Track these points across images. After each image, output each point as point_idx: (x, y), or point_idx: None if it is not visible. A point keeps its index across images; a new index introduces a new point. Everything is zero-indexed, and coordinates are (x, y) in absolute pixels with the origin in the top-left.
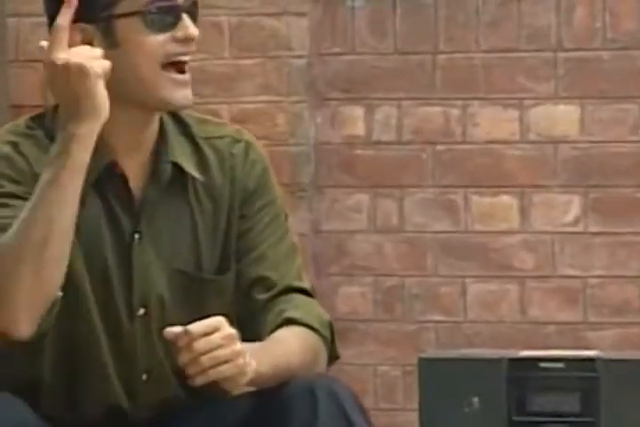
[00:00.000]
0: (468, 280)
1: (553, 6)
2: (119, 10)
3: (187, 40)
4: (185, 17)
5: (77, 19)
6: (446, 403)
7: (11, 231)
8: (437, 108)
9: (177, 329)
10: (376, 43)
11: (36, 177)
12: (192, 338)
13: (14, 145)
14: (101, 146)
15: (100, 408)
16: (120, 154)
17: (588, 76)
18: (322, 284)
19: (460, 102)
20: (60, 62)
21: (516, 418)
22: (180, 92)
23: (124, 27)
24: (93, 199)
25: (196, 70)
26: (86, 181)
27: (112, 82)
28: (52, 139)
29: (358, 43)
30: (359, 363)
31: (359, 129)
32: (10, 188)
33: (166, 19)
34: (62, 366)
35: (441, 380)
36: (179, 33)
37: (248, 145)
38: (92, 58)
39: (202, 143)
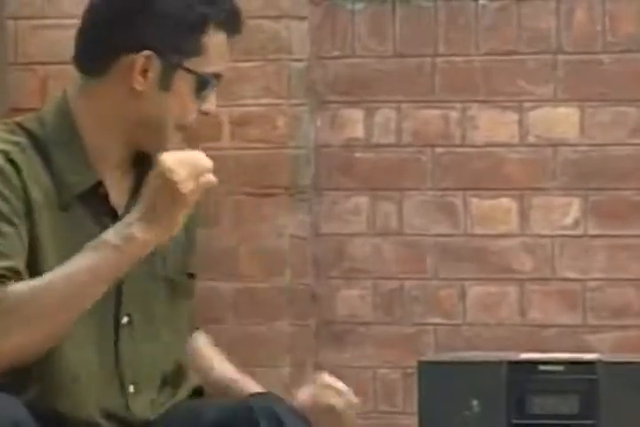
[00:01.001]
0: (467, 283)
1: (553, 9)
2: (188, 63)
3: (206, 114)
4: (214, 93)
5: (150, 47)
6: (446, 406)
7: (31, 288)
8: (437, 111)
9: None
10: (376, 46)
11: (25, 187)
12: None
13: (4, 154)
14: (89, 164)
15: (93, 414)
16: (107, 174)
17: (588, 79)
18: (321, 287)
19: (459, 105)
20: (183, 191)
21: (515, 421)
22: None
23: (182, 79)
24: (79, 212)
25: None
26: (72, 193)
27: (132, 115)
28: (37, 147)
29: (358, 46)
30: (358, 366)
31: (359, 132)
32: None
33: (210, 91)
34: (45, 378)
35: (440, 383)
36: (205, 106)
37: None
38: (201, 188)
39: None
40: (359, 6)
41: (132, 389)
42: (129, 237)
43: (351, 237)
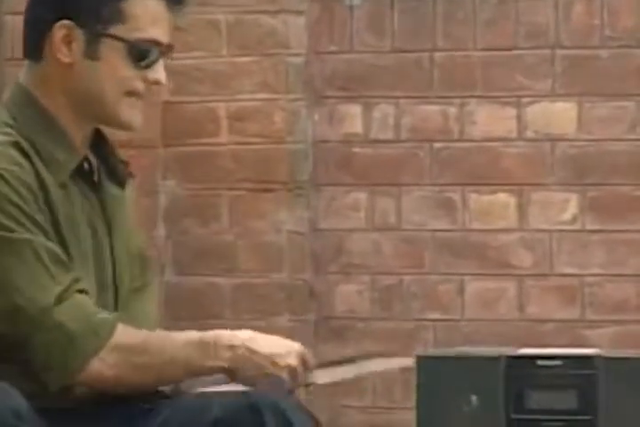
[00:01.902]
0: (465, 278)
1: (551, 4)
2: (113, 30)
3: (154, 84)
4: (161, 62)
5: (69, 17)
6: (444, 401)
7: (142, 343)
8: (435, 107)
9: None
10: (374, 41)
11: (39, 179)
12: None
13: (16, 145)
14: (70, 142)
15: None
16: (85, 150)
17: (586, 74)
18: (320, 282)
19: (457, 100)
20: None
21: (514, 416)
22: (136, 116)
23: (108, 47)
24: (72, 189)
25: (194, 68)
26: (66, 172)
27: (75, 89)
28: (22, 136)
29: (356, 41)
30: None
31: (357, 127)
32: (33, 207)
33: (147, 58)
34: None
35: (439, 378)
36: (150, 75)
37: None
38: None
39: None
40: (357, 1)
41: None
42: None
43: (350, 232)
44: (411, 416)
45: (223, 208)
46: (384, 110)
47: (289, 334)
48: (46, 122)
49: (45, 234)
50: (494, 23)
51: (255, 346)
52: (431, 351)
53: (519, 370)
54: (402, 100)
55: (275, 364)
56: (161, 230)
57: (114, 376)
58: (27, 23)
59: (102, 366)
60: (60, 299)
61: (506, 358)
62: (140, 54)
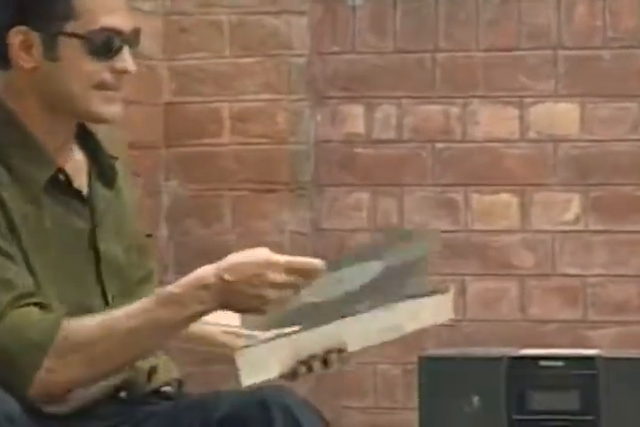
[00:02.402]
0: (467, 278)
1: (553, 4)
2: (67, 28)
3: (122, 73)
4: (126, 50)
5: (22, 22)
6: (446, 401)
7: (98, 330)
8: (437, 107)
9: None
10: (376, 41)
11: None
12: None
13: None
14: (44, 154)
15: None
16: (59, 159)
17: (589, 75)
18: None
19: (460, 101)
20: (268, 297)
21: (515, 416)
22: (109, 107)
23: (66, 45)
24: (48, 201)
25: (196, 69)
26: (37, 185)
27: (45, 92)
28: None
29: (358, 41)
30: (359, 361)
31: (359, 127)
32: None
33: (107, 48)
34: None
35: (441, 378)
36: (116, 64)
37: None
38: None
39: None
40: (359, 1)
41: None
42: (199, 299)
43: (352, 232)
44: (412, 417)
45: (225, 209)
46: (386, 111)
47: None
48: (18, 133)
49: None
50: (497, 24)
51: (229, 275)
52: (433, 352)
53: (521, 371)
54: (404, 101)
55: (256, 286)
56: (163, 231)
57: (70, 379)
58: None
59: (52, 374)
60: None
61: (508, 359)
62: (99, 46)
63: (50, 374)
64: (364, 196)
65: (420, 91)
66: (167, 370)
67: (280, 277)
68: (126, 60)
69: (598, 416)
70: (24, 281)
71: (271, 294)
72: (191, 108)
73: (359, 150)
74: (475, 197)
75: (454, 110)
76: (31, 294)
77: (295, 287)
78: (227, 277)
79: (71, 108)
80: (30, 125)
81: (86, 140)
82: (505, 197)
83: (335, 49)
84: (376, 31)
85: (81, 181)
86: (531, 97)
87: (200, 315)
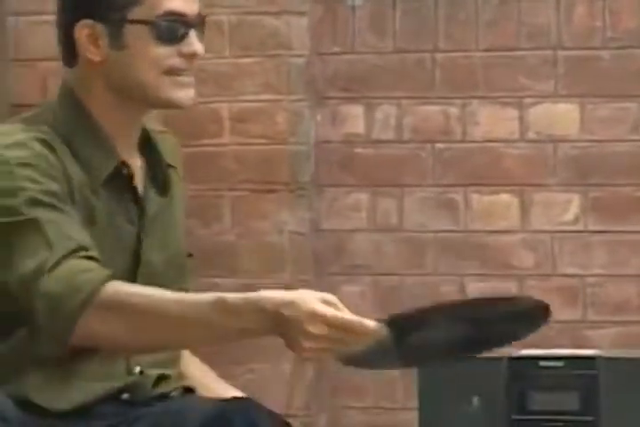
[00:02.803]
0: (467, 279)
1: (553, 5)
2: (131, 15)
3: (191, 56)
4: (192, 33)
5: (87, 15)
6: (446, 402)
7: (142, 301)
8: (437, 107)
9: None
10: (376, 41)
11: (66, 173)
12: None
13: (43, 142)
14: (110, 146)
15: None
16: (124, 154)
17: (588, 75)
18: (322, 283)
19: (459, 101)
20: (305, 346)
21: (515, 417)
22: (181, 92)
23: (132, 32)
24: (106, 194)
25: (196, 69)
26: (100, 177)
27: (115, 82)
28: (59, 136)
29: (358, 42)
30: None
31: (359, 128)
32: (52, 186)
33: (174, 32)
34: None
35: (440, 378)
36: (184, 48)
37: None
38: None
39: (153, 135)
40: (359, 2)
41: (137, 369)
42: (254, 318)
43: (351, 233)
44: (412, 417)
45: (225, 209)
46: (386, 111)
47: None
48: (87, 124)
49: (60, 202)
50: (496, 24)
51: (284, 310)
52: None
53: (521, 371)
54: (404, 101)
55: (296, 330)
56: None
57: (105, 334)
58: (57, 31)
59: (91, 323)
60: (52, 267)
61: (507, 359)
62: (166, 31)
63: (90, 323)
64: (364, 196)
65: (420, 91)
66: (178, 378)
67: (317, 330)
68: (194, 43)
69: (598, 417)
70: (82, 237)
71: (305, 343)
72: (191, 108)
73: (359, 151)
74: (474, 197)
75: (454, 111)
76: (87, 248)
77: (334, 342)
78: (282, 310)
79: (143, 95)
80: (99, 119)
81: (147, 145)
82: (505, 197)
83: (335, 49)
84: (376, 31)
85: (138, 183)
86: (530, 97)
87: (249, 333)
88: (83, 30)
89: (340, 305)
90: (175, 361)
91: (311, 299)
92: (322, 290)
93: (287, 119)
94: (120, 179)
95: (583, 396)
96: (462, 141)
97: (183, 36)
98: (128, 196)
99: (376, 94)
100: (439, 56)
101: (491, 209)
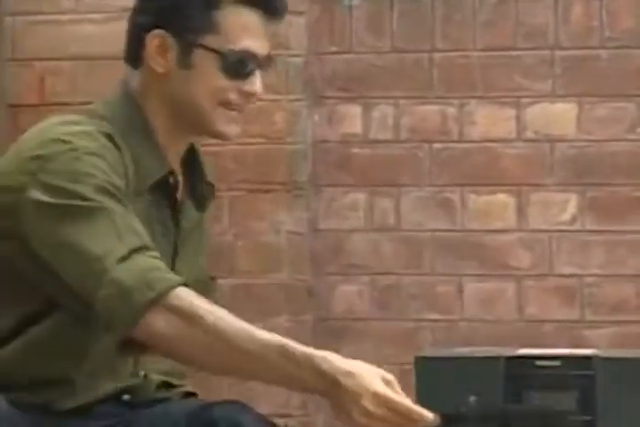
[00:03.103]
0: (464, 279)
1: (550, 4)
2: (205, 41)
3: (250, 95)
4: (257, 73)
5: (163, 26)
6: (443, 402)
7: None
8: (434, 107)
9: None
10: (373, 41)
11: (125, 171)
12: None
13: (108, 136)
14: (161, 153)
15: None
16: (171, 164)
17: (586, 75)
18: (319, 282)
19: (456, 101)
20: (360, 421)
21: None
22: (230, 127)
23: (201, 57)
24: (148, 198)
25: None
26: (149, 180)
27: (171, 98)
28: (119, 132)
29: (355, 41)
30: None
31: (356, 127)
32: (117, 180)
33: (241, 70)
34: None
35: (438, 378)
36: (246, 86)
37: None
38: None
39: (198, 149)
40: (357, 2)
41: (141, 373)
42: (312, 375)
43: (349, 232)
44: None
45: (223, 209)
46: (383, 111)
47: (287, 335)
48: (143, 127)
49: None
50: (493, 24)
51: (342, 378)
52: (430, 352)
53: (518, 371)
54: (401, 101)
55: (351, 403)
56: None
57: (165, 336)
58: (128, 29)
59: (155, 321)
60: (124, 258)
61: (505, 359)
62: (234, 66)
63: (154, 321)
64: (361, 196)
65: (417, 91)
66: (181, 387)
67: (375, 409)
68: (256, 83)
69: (595, 416)
70: (146, 236)
71: (358, 417)
72: None
73: (356, 150)
74: (472, 197)
75: (451, 110)
76: (152, 248)
77: (388, 424)
78: (341, 378)
79: (193, 119)
80: (154, 125)
81: (190, 158)
82: (502, 197)
83: (332, 49)
84: (373, 31)
85: (178, 194)
86: (528, 97)
87: (302, 386)
88: (154, 39)
89: (397, 387)
90: (181, 375)
91: (373, 375)
92: (320, 290)
93: (285, 119)
94: (165, 187)
95: (580, 396)
96: (460, 141)
97: (248, 75)
98: (167, 205)
99: (373, 94)
100: (437, 56)
101: (488, 209)
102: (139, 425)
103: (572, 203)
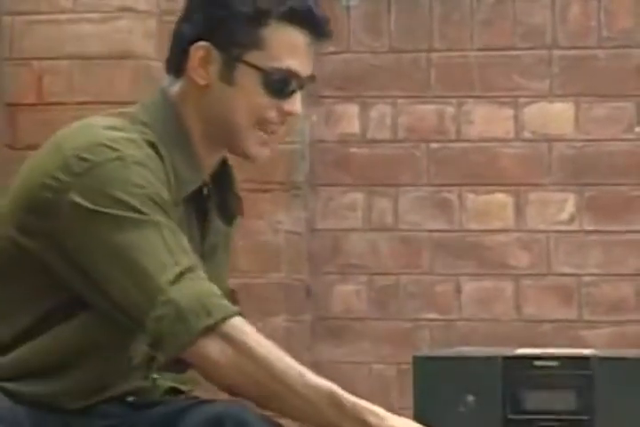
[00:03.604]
0: (462, 278)
1: (548, 4)
2: (249, 57)
3: (288, 114)
4: (298, 93)
5: (209, 38)
6: (441, 401)
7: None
8: (432, 106)
9: None
10: (371, 41)
11: (168, 180)
12: None
13: (151, 144)
14: (198, 163)
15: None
16: (207, 176)
17: (583, 75)
18: (317, 282)
19: (454, 100)
20: None
21: (510, 416)
22: (261, 150)
23: (243, 72)
24: (182, 209)
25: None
26: (186, 190)
27: (209, 111)
28: (159, 140)
29: (353, 41)
30: (354, 361)
31: (354, 127)
32: (163, 191)
33: (283, 89)
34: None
35: (436, 378)
36: (286, 106)
37: None
38: None
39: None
40: (354, 1)
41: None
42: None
43: (347, 232)
44: (407, 417)
45: None
46: (381, 110)
47: (286, 334)
48: (182, 136)
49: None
50: (491, 23)
51: None
52: (428, 352)
53: (516, 370)
54: (399, 100)
55: None
56: None
57: (215, 363)
58: (172, 38)
59: (208, 347)
60: (178, 278)
61: (503, 359)
62: (276, 84)
63: (207, 347)
64: (359, 195)
65: (415, 90)
66: (191, 390)
67: None
68: (296, 103)
69: (593, 416)
70: (193, 253)
71: None
72: None
73: (354, 150)
74: (469, 196)
75: (449, 110)
76: (199, 268)
77: None
78: None
79: (225, 135)
80: (191, 133)
81: (220, 171)
82: (500, 196)
83: (330, 49)
84: (371, 31)
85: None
86: (525, 97)
87: None
88: (198, 51)
89: None
90: (192, 381)
91: None
92: (318, 290)
93: None
94: (198, 198)
95: (578, 395)
96: (457, 141)
97: (289, 94)
98: (195, 216)
99: (371, 94)
100: (434, 56)
101: (486, 209)
102: (143, 426)
103: (570, 202)
